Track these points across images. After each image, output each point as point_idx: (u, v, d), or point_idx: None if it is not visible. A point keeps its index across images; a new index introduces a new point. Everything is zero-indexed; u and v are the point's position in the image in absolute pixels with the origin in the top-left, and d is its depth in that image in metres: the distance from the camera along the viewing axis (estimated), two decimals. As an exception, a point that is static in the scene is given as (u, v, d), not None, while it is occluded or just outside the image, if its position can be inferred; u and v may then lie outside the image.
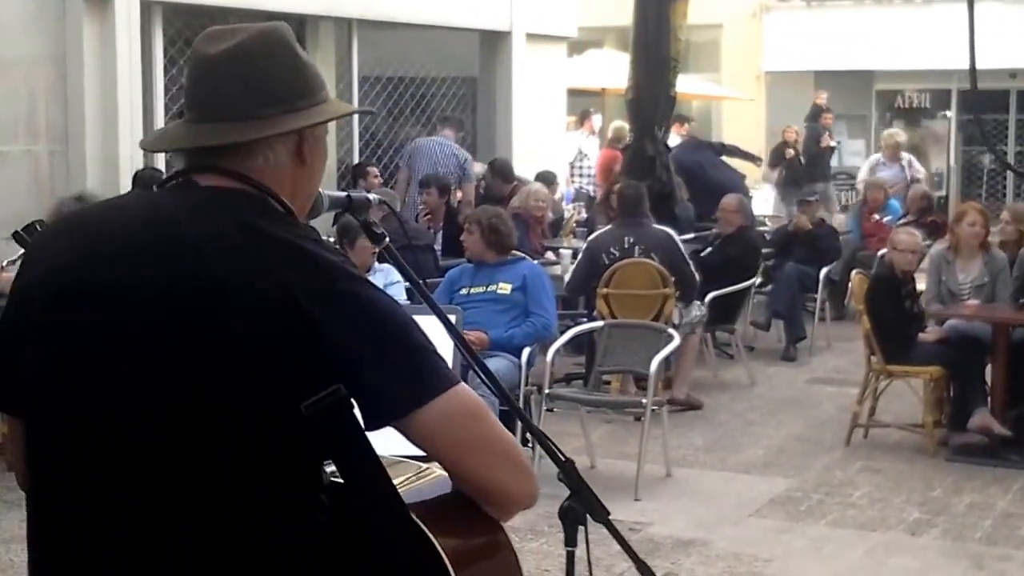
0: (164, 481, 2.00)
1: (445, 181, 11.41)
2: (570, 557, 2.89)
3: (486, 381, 2.63)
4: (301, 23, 13.50)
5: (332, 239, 8.04)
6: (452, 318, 3.18)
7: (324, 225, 9.23)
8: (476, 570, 2.13)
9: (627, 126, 13.78)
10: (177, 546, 2.00)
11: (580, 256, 9.95)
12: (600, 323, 8.49)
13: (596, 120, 17.94)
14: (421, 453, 2.14)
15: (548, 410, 7.80)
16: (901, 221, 12.71)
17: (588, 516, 2.76)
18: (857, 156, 22.01)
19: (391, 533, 2.03)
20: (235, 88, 2.11)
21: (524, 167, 13.36)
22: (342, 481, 2.06)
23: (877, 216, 13.70)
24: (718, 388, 10.37)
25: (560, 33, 15.57)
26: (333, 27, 13.94)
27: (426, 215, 11.15)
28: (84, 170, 10.71)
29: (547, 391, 7.69)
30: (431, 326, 2.99)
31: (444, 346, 2.40)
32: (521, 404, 7.57)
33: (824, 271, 11.89)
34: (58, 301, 2.05)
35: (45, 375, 2.06)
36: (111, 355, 2.01)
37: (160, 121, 11.66)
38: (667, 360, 8.20)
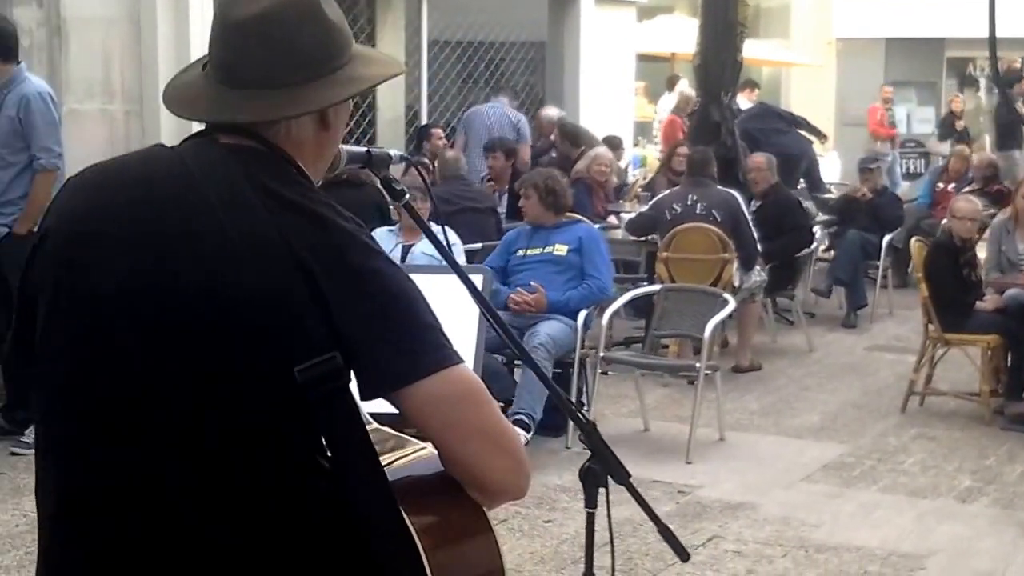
0: (159, 434, 1.98)
1: (510, 145, 11.50)
2: (590, 518, 2.92)
3: (505, 339, 2.73)
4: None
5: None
6: (479, 279, 3.29)
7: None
8: (449, 553, 2.08)
9: (692, 92, 13.79)
10: (170, 500, 1.99)
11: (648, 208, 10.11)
12: (657, 287, 8.57)
13: (682, 84, 17.91)
14: None
15: (603, 373, 7.90)
16: (966, 189, 12.65)
17: (609, 478, 2.72)
18: (927, 123, 21.83)
19: (371, 508, 1.99)
20: (263, 53, 2.06)
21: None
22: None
23: (954, 185, 13.57)
24: (776, 353, 10.42)
25: (629, -2, 15.59)
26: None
27: (490, 180, 11.25)
28: (158, 128, 10.88)
29: (602, 354, 7.78)
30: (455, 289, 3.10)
31: (467, 310, 2.48)
32: (576, 367, 7.69)
33: (887, 238, 11.87)
34: (69, 245, 2.05)
35: (50, 317, 2.05)
36: (114, 301, 1.99)
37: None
38: (724, 324, 8.29)
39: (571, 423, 7.40)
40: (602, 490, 2.75)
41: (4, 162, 7.31)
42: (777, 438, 8.08)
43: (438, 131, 12.38)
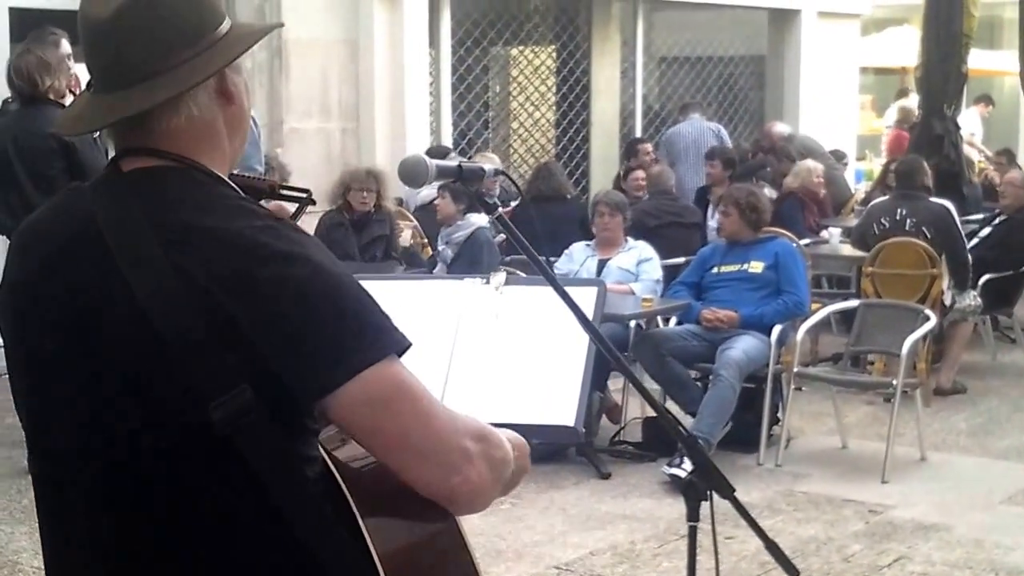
0: (98, 487, 1.97)
1: (730, 154, 11.40)
2: (692, 532, 2.94)
3: (601, 347, 2.74)
4: (588, 3, 13.75)
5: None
6: (594, 290, 3.29)
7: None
8: (414, 559, 2.00)
9: (914, 106, 13.48)
10: (116, 552, 1.98)
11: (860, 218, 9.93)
12: (855, 302, 8.41)
13: (912, 98, 17.50)
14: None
15: (797, 389, 7.79)
16: None
17: (712, 492, 2.73)
18: None
19: (313, 533, 1.90)
20: (137, 45, 1.93)
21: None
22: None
23: None
24: (993, 372, 10.08)
25: (852, 11, 15.31)
26: (619, 7, 14.11)
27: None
28: (373, 147, 11.24)
29: (795, 370, 7.66)
30: (584, 296, 3.11)
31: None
32: (769, 383, 7.60)
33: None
34: (9, 313, 2.05)
35: (18, 387, 2.07)
36: (49, 364, 1.98)
37: (447, 100, 12.11)
38: (929, 340, 8.08)
39: (763, 438, 7.46)
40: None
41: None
42: (981, 459, 7.82)
43: (645, 146, 12.38)
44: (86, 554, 2.01)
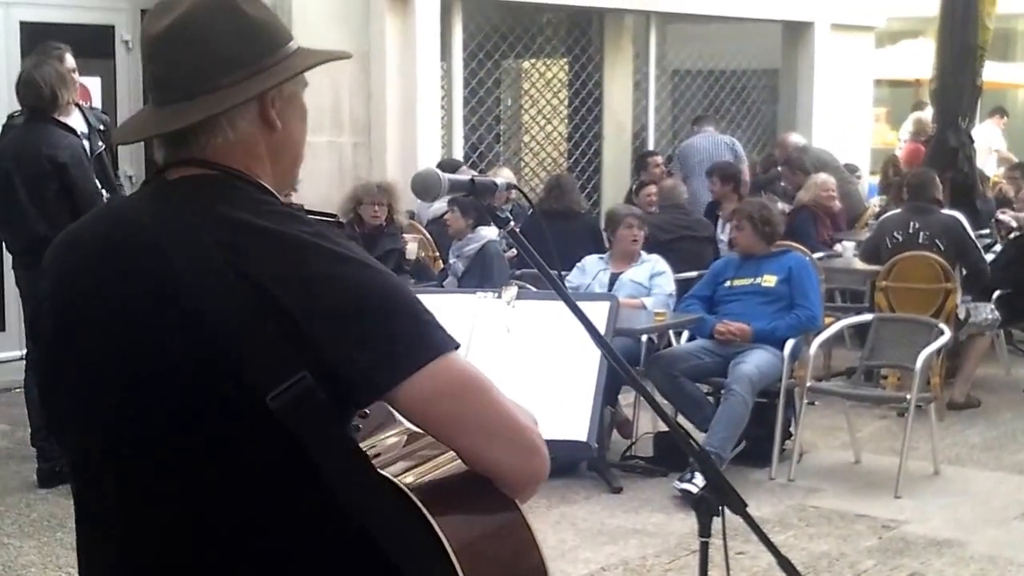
0: (165, 499, 1.98)
1: (728, 169, 11.35)
2: (703, 548, 2.93)
3: (613, 362, 2.73)
4: (600, 16, 13.73)
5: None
6: (606, 304, 3.28)
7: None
8: (484, 550, 2.01)
9: (928, 119, 13.43)
10: (177, 536, 1.99)
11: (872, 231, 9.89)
12: (869, 316, 8.37)
13: (928, 110, 17.46)
14: None
15: (810, 403, 7.75)
16: None
17: (724, 508, 2.72)
18: None
19: (377, 522, 1.92)
20: (182, 64, 2.01)
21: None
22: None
23: None
24: (1008, 386, 10.03)
25: (866, 23, 15.27)
26: (632, 20, 14.10)
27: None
28: (384, 160, 11.22)
29: (808, 384, 7.62)
30: (597, 312, 3.10)
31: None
32: (782, 397, 7.56)
33: None
34: (57, 328, 2.08)
35: (60, 400, 2.10)
36: (98, 375, 2.01)
37: (458, 114, 12.09)
38: (943, 354, 8.04)
39: (775, 453, 7.42)
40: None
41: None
42: (996, 473, 7.77)
43: (656, 159, 12.35)
44: (130, 556, 2.02)
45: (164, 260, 1.94)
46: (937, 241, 9.18)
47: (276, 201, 2.03)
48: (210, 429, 1.93)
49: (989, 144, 16.34)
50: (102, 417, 2.01)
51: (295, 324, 1.88)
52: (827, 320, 8.25)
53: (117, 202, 2.14)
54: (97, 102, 9.65)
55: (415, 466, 2.07)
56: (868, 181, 15.31)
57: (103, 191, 7.10)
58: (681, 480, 6.97)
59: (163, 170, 2.06)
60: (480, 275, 8.66)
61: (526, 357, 3.42)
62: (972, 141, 12.35)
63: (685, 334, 8.19)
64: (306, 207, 2.18)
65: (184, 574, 1.99)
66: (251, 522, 1.94)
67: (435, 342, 1.94)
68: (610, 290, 8.09)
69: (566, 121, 13.98)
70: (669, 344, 8.43)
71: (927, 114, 16.05)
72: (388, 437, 2.19)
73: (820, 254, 10.32)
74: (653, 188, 11.01)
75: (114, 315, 1.98)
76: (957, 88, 12.08)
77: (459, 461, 2.02)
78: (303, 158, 2.18)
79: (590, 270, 8.40)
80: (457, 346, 1.97)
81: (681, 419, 7.40)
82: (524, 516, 2.07)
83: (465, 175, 2.59)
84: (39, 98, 6.99)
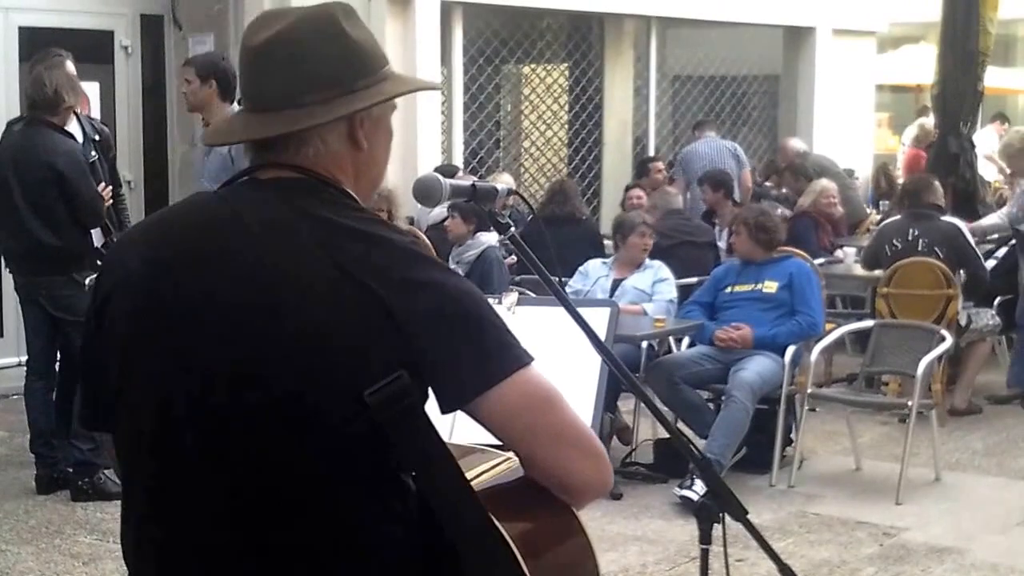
0: (247, 481, 2.01)
1: (718, 178, 11.30)
2: (704, 554, 2.91)
3: (614, 368, 2.71)
4: (600, 21, 13.72)
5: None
6: (607, 311, 3.26)
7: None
8: (546, 556, 2.08)
9: (930, 125, 13.42)
10: (259, 540, 2.02)
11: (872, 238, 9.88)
12: (870, 323, 8.35)
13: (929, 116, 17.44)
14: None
15: (811, 410, 7.72)
16: None
17: (724, 514, 2.71)
18: None
19: (460, 523, 1.98)
20: (278, 76, 2.09)
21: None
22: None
23: None
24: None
25: (868, 28, 15.26)
26: (632, 25, 14.08)
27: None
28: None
29: (809, 391, 7.60)
30: (598, 318, 3.08)
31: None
32: (783, 404, 7.54)
33: None
34: (133, 317, 2.08)
35: (127, 391, 2.09)
36: (185, 365, 2.02)
37: (458, 119, 12.07)
38: (944, 360, 8.01)
39: (776, 459, 7.40)
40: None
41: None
42: (997, 479, 7.75)
43: (657, 164, 12.34)
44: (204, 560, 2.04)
45: (264, 249, 2.01)
46: (936, 249, 9.15)
47: (365, 209, 2.11)
48: (303, 418, 1.96)
49: (990, 150, 16.35)
50: (194, 391, 2.02)
51: (395, 324, 1.95)
52: (828, 326, 8.22)
53: (204, 196, 2.19)
54: (96, 107, 9.64)
55: (477, 474, 2.12)
56: (869, 186, 15.29)
57: (104, 195, 7.08)
58: (681, 487, 6.95)
59: (254, 170, 2.14)
60: (480, 281, 8.64)
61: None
62: (973, 146, 12.35)
63: (686, 340, 8.16)
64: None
65: (259, 554, 2.01)
66: (326, 505, 1.99)
67: (519, 354, 2.02)
68: (612, 295, 8.08)
69: (566, 126, 13.97)
70: (669, 350, 8.40)
71: (931, 121, 16.10)
72: None
73: (821, 260, 10.29)
74: (637, 191, 11.02)
75: (214, 300, 2.02)
76: (958, 93, 12.08)
77: (512, 469, 2.11)
78: (384, 178, 2.26)
79: (592, 275, 8.39)
80: (533, 359, 2.04)
81: (681, 425, 7.37)
82: (581, 522, 2.14)
83: (466, 180, 2.57)
84: (39, 96, 6.96)
